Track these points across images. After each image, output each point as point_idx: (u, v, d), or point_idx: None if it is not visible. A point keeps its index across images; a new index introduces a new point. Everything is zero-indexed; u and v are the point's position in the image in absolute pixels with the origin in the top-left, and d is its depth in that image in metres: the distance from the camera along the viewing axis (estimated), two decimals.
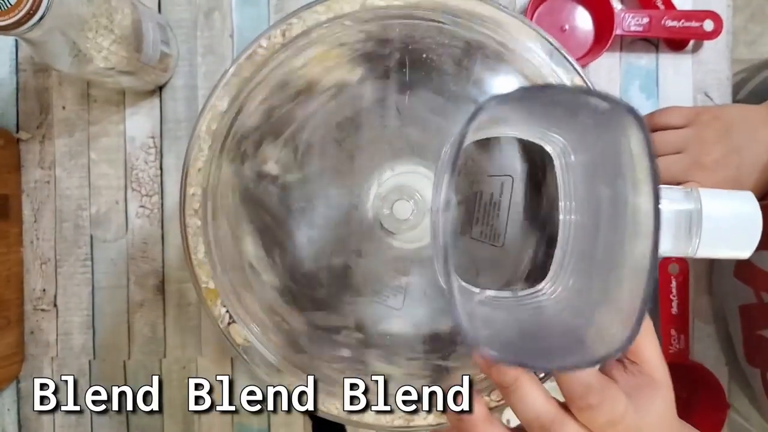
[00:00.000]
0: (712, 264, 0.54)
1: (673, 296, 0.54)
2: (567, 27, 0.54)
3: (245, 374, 0.55)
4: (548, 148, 0.33)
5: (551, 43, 0.35)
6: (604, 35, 0.53)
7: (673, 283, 0.53)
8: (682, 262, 0.53)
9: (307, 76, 0.36)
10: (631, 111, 0.25)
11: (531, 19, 0.53)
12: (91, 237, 0.56)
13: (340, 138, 0.36)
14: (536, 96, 0.28)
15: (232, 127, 0.36)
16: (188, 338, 0.55)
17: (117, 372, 0.56)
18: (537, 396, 0.30)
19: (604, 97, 0.25)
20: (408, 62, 0.35)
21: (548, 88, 0.33)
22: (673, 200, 0.31)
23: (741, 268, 0.46)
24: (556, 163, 0.33)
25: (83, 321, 0.56)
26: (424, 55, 0.36)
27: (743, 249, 0.32)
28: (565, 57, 0.35)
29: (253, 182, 0.36)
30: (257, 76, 0.36)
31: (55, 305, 0.56)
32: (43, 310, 0.56)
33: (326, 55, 0.36)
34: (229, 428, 0.55)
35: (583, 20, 0.54)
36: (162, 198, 0.55)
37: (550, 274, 0.33)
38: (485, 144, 0.37)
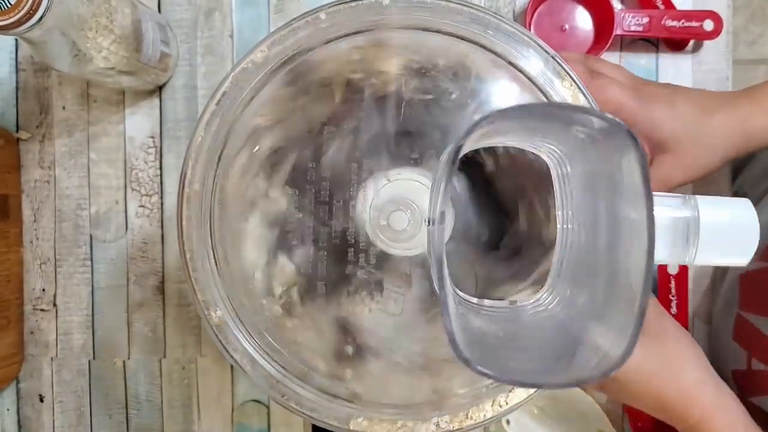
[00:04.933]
0: (715, 271, 0.54)
1: (673, 296, 0.54)
2: (567, 27, 0.54)
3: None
4: (545, 158, 0.33)
5: (548, 52, 0.35)
6: (604, 35, 0.53)
7: (673, 284, 0.53)
8: None
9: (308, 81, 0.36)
10: (626, 130, 0.25)
11: (531, 19, 0.53)
12: (91, 237, 0.56)
13: (337, 145, 0.36)
14: (532, 112, 0.28)
15: (228, 136, 0.36)
16: (188, 338, 0.55)
17: (117, 372, 0.56)
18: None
19: (600, 115, 0.25)
20: (405, 70, 0.36)
21: (545, 105, 0.33)
22: (670, 208, 0.31)
23: (741, 331, 0.46)
24: (553, 172, 0.33)
25: (83, 321, 0.56)
26: (421, 63, 0.36)
27: (741, 256, 0.32)
28: (562, 67, 0.35)
29: (248, 191, 0.36)
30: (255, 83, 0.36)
31: (55, 305, 0.56)
32: (42, 310, 0.56)
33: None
34: (229, 428, 0.55)
35: (583, 20, 0.54)
36: (162, 198, 0.55)
37: (548, 284, 0.33)
38: (485, 151, 0.37)
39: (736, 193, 0.56)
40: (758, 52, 1.29)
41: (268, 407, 0.55)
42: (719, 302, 0.52)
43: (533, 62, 0.35)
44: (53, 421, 0.56)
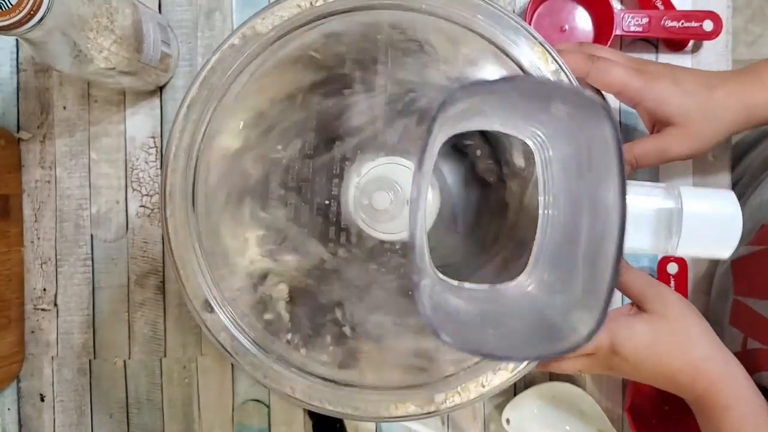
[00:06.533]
0: (715, 266, 0.54)
1: None
2: (567, 27, 0.54)
3: (246, 373, 0.55)
4: (529, 143, 0.33)
5: (535, 38, 0.35)
6: (603, 35, 0.53)
7: (672, 283, 0.53)
8: (681, 261, 0.53)
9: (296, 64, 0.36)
10: (600, 106, 0.25)
11: (530, 19, 0.53)
12: (92, 236, 0.56)
13: (324, 129, 0.36)
14: (500, 87, 0.28)
15: (213, 116, 0.36)
16: (189, 338, 0.55)
17: (117, 372, 0.56)
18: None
19: (574, 91, 0.25)
20: (393, 55, 0.35)
21: (520, 78, 0.33)
22: (653, 198, 0.31)
23: (738, 314, 0.47)
24: (537, 158, 0.33)
25: (83, 320, 0.56)
26: (410, 48, 0.36)
27: (723, 249, 0.32)
28: (548, 51, 0.35)
29: (234, 168, 0.36)
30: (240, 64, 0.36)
31: (56, 305, 0.56)
32: (43, 309, 0.56)
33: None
34: (230, 428, 0.56)
35: (582, 20, 0.54)
36: None
37: (528, 268, 0.33)
38: (475, 140, 0.37)
39: (735, 183, 0.56)
40: (758, 53, 1.29)
41: (268, 406, 0.55)
42: (714, 290, 0.53)
43: (523, 49, 0.35)
44: (54, 420, 0.56)
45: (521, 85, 0.29)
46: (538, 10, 0.54)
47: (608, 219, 0.26)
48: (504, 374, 0.35)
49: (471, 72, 0.36)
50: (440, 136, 0.29)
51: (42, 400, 0.56)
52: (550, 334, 0.28)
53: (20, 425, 0.56)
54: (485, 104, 0.30)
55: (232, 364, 0.55)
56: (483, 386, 0.35)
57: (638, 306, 0.42)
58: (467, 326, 0.30)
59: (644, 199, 0.32)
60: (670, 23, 0.52)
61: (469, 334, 0.29)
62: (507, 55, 0.35)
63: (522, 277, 0.33)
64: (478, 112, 0.31)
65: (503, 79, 0.32)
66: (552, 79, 0.35)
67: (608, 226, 0.26)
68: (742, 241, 0.49)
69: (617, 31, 0.52)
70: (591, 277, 0.27)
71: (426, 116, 0.36)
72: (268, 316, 0.37)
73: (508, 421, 0.53)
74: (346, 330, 0.36)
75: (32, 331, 0.56)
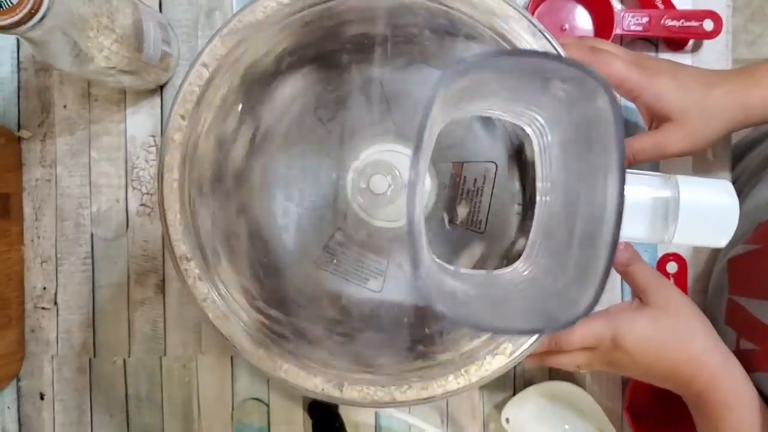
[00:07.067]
0: (712, 267, 0.54)
1: None
2: (567, 26, 0.54)
3: (245, 371, 0.56)
4: (528, 129, 0.33)
5: (534, 25, 0.35)
6: (604, 34, 0.53)
7: (671, 282, 0.53)
8: (680, 260, 0.53)
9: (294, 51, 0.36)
10: (598, 78, 0.25)
11: None
12: (92, 235, 0.56)
13: (324, 117, 0.36)
14: (498, 62, 0.28)
15: (209, 99, 0.36)
16: (189, 336, 0.56)
17: (117, 370, 0.56)
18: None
19: (572, 63, 0.25)
20: (392, 42, 0.35)
21: (517, 51, 0.33)
22: (650, 187, 0.31)
23: (732, 314, 0.47)
24: (535, 143, 0.33)
25: (84, 319, 0.56)
26: (409, 36, 0.35)
27: (719, 238, 0.32)
28: (547, 39, 0.35)
29: (232, 158, 0.36)
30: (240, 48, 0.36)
31: (56, 303, 0.56)
32: (43, 308, 0.56)
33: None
34: (229, 427, 0.56)
35: (582, 20, 0.54)
36: None
37: (525, 254, 0.33)
38: (471, 128, 0.36)
39: (734, 182, 0.57)
40: (758, 52, 1.29)
41: (268, 405, 0.55)
42: (711, 288, 0.53)
43: (521, 35, 0.35)
44: (54, 419, 0.56)
45: (519, 60, 0.28)
46: (538, 10, 0.54)
47: (606, 198, 0.26)
48: (502, 360, 0.35)
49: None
50: (440, 117, 0.29)
51: (42, 398, 0.56)
52: (547, 314, 0.28)
53: (20, 424, 0.56)
54: (484, 85, 0.30)
55: (232, 363, 0.56)
56: (485, 370, 0.35)
57: (640, 299, 0.42)
58: (464, 305, 0.30)
59: (641, 188, 0.32)
60: (670, 22, 0.52)
61: (465, 309, 0.28)
62: (507, 43, 0.35)
63: (519, 263, 0.33)
64: (478, 94, 0.31)
65: (500, 52, 0.32)
66: (543, 51, 0.34)
67: (606, 204, 0.26)
68: (739, 239, 0.49)
69: (617, 31, 0.52)
70: (588, 259, 0.27)
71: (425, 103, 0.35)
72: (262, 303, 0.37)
73: (507, 420, 0.53)
74: (343, 316, 0.36)
75: (32, 330, 0.56)
